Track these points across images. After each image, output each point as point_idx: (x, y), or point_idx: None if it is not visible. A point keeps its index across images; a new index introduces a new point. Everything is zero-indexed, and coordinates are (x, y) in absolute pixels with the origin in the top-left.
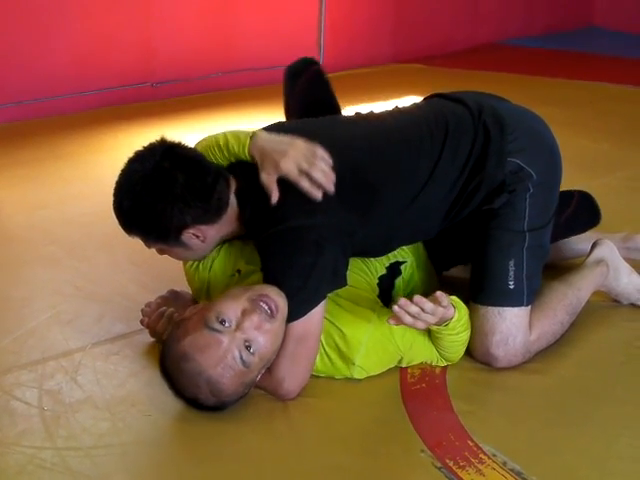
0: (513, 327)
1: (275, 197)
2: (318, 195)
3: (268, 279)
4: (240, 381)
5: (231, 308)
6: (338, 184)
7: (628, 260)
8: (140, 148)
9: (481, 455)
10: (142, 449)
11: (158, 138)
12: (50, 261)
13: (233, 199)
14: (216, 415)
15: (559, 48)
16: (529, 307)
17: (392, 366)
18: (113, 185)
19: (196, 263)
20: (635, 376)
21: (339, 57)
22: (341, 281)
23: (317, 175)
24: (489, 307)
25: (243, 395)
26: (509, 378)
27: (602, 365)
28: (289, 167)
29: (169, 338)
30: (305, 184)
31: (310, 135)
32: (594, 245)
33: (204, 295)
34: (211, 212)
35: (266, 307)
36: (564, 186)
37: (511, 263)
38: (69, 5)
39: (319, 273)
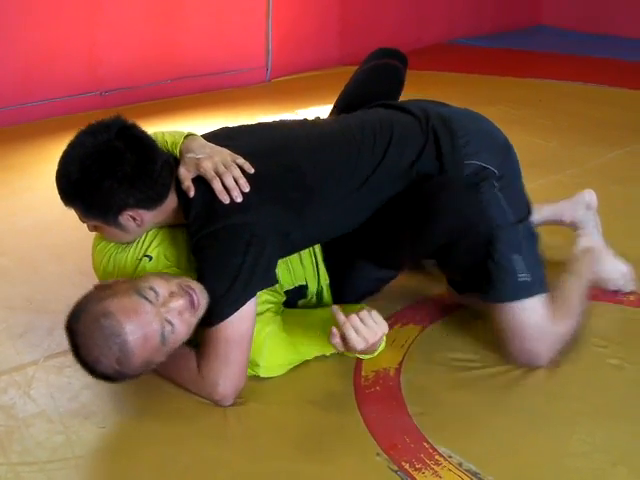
0: (538, 317)
1: (190, 192)
2: (226, 199)
3: (200, 279)
4: (148, 358)
5: (162, 285)
6: (275, 183)
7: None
8: (93, 122)
9: (437, 457)
10: (97, 461)
11: (113, 115)
12: (0, 274)
13: (173, 188)
14: (170, 423)
15: (507, 47)
16: (546, 294)
17: (298, 362)
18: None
19: (111, 246)
20: (588, 373)
21: (287, 62)
22: (271, 280)
23: (228, 180)
24: (510, 304)
25: (137, 376)
26: (462, 379)
27: (554, 362)
28: (207, 167)
29: (90, 297)
30: (216, 186)
31: (251, 137)
32: (578, 236)
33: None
34: (153, 198)
35: (190, 299)
36: None
37: (515, 256)
38: (12, 15)
39: (249, 273)
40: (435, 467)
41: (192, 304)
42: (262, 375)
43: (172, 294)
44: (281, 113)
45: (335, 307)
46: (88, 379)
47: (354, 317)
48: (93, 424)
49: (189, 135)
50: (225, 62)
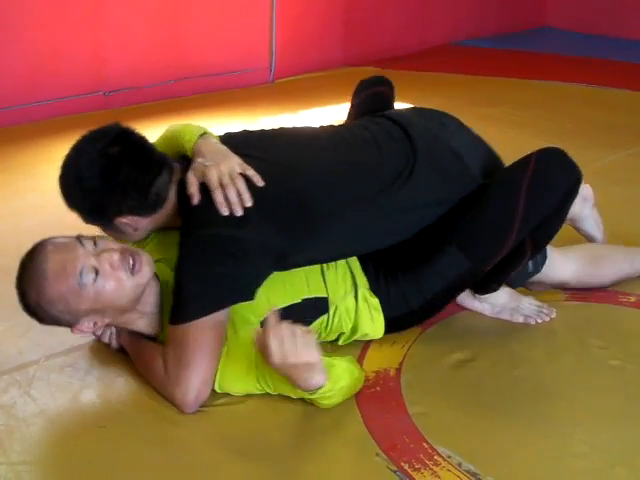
0: None
1: (195, 199)
2: (225, 211)
3: (177, 276)
4: (64, 295)
5: (106, 242)
6: (278, 203)
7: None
8: (94, 128)
9: (436, 457)
10: (96, 462)
11: (113, 122)
12: (2, 273)
13: (174, 191)
14: (170, 425)
15: (512, 48)
16: None
17: (259, 391)
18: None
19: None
20: (587, 373)
21: (291, 62)
22: (248, 296)
23: (230, 193)
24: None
25: (58, 322)
26: (462, 379)
27: (555, 363)
28: (212, 177)
29: (43, 242)
30: (218, 198)
31: (266, 150)
32: None
33: None
34: (146, 206)
35: (131, 261)
36: None
37: None
38: (18, 15)
39: (226, 284)
40: (434, 467)
41: (131, 266)
42: (215, 389)
43: (112, 249)
44: (284, 114)
45: (275, 308)
46: (89, 379)
47: (287, 326)
48: (93, 424)
49: (204, 134)
50: (229, 63)
